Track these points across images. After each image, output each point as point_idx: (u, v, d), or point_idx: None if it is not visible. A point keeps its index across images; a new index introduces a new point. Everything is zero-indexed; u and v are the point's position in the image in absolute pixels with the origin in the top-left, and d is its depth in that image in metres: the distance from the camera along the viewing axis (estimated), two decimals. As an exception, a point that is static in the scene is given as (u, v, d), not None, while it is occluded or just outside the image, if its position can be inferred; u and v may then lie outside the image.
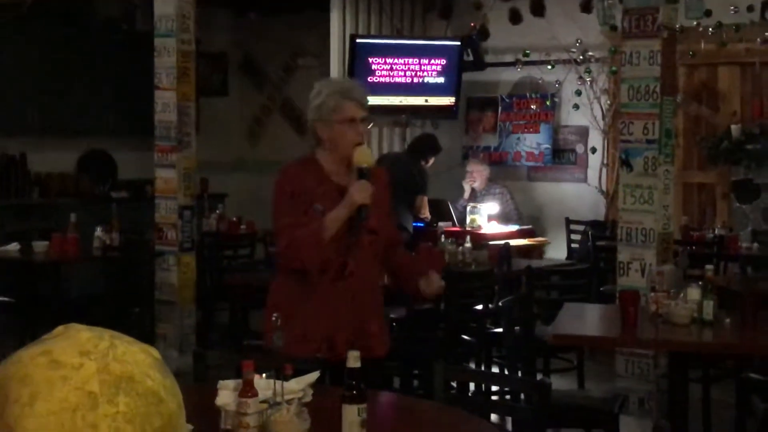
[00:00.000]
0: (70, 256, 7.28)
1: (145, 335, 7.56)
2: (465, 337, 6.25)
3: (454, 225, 9.00)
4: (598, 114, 9.98)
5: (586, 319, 5.04)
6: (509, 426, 4.51)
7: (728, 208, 9.38)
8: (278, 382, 2.73)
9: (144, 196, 9.55)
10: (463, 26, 10.43)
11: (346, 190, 3.56)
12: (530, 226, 9.63)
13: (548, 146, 10.39)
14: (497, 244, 7.61)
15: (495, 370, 6.21)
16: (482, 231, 8.79)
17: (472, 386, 5.88)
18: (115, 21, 10.62)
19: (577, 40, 9.74)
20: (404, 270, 3.82)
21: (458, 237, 7.60)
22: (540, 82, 10.33)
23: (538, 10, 8.69)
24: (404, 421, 2.99)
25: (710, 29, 8.91)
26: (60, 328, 1.28)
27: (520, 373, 4.93)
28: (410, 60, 9.91)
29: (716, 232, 8.38)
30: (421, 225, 8.63)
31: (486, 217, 9.03)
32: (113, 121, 10.39)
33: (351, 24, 10.09)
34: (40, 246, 7.21)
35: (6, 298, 7.36)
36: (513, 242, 8.29)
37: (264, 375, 2.82)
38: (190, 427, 2.65)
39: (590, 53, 9.82)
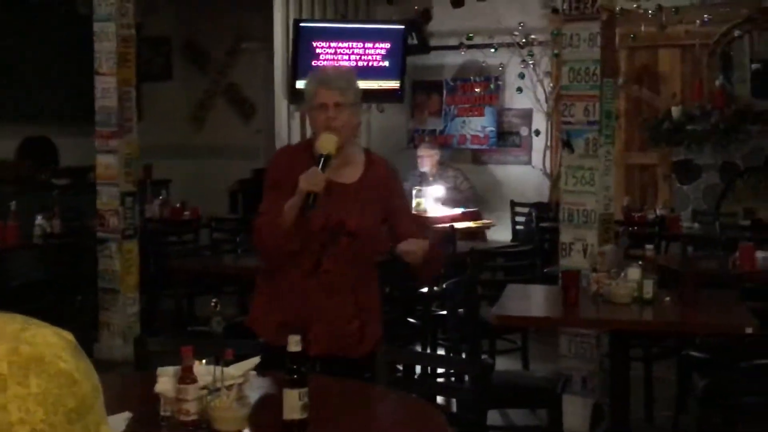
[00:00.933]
0: (10, 243, 7.17)
1: (88, 323, 7.49)
2: (411, 320, 6.27)
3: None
4: (542, 97, 10.05)
5: (529, 300, 5.08)
6: (455, 408, 4.55)
7: (670, 188, 9.51)
8: (218, 368, 2.72)
9: (86, 182, 9.43)
10: (407, 10, 10.43)
11: (333, 183, 3.45)
12: (476, 209, 9.67)
13: (493, 129, 10.45)
14: (443, 227, 7.63)
15: (441, 352, 6.23)
16: (428, 214, 8.80)
17: (419, 369, 5.90)
18: (55, 4, 10.47)
19: (520, 24, 9.79)
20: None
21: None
22: (484, 65, 10.37)
23: (480, -6, 8.73)
24: (346, 405, 2.99)
25: (650, 12, 9.01)
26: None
27: (464, 355, 4.96)
28: (355, 44, 9.89)
29: (658, 212, 8.49)
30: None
31: (432, 201, 9.04)
32: (54, 106, 10.26)
33: (295, 8, 10.03)
34: (-21, 234, 7.10)
35: (-55, 287, 7.25)
36: (458, 225, 8.33)
37: (204, 361, 2.80)
38: (129, 414, 2.64)
39: (533, 36, 9.89)
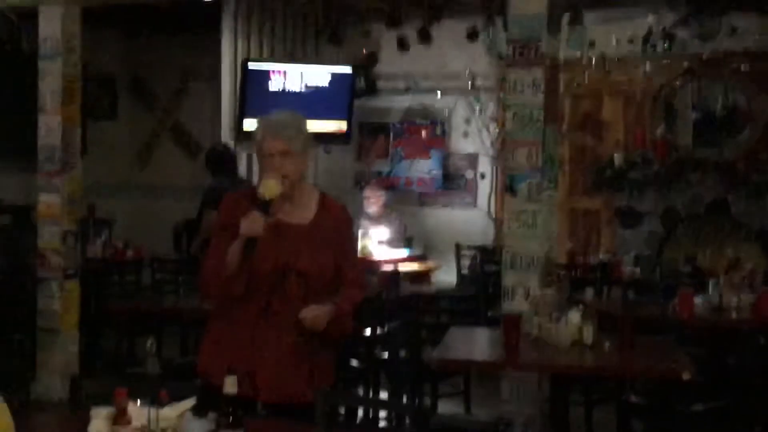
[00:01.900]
0: (-52, 281, 7.06)
1: (26, 363, 7.36)
2: (353, 363, 6.25)
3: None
4: (487, 141, 10.14)
5: (470, 344, 5.09)
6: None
7: (612, 234, 9.62)
8: (153, 410, 2.69)
9: (28, 221, 9.31)
10: (354, 52, 10.49)
11: (284, 224, 3.49)
12: (421, 252, 9.70)
13: (439, 172, 10.51)
14: (387, 270, 7.63)
15: (383, 395, 6.21)
16: (373, 257, 8.80)
17: (361, 412, 5.87)
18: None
19: (466, 69, 9.89)
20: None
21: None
22: (431, 109, 10.45)
23: (425, 38, 8.80)
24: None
25: (594, 61, 9.15)
26: None
27: (405, 399, 4.95)
28: (302, 85, 9.90)
29: (600, 257, 8.57)
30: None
31: (377, 243, 9.05)
32: (-4, 143, 10.12)
33: (243, 47, 10.04)
34: None
35: None
36: (404, 267, 8.33)
37: (139, 402, 2.77)
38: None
39: (479, 82, 9.98)
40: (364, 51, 10.13)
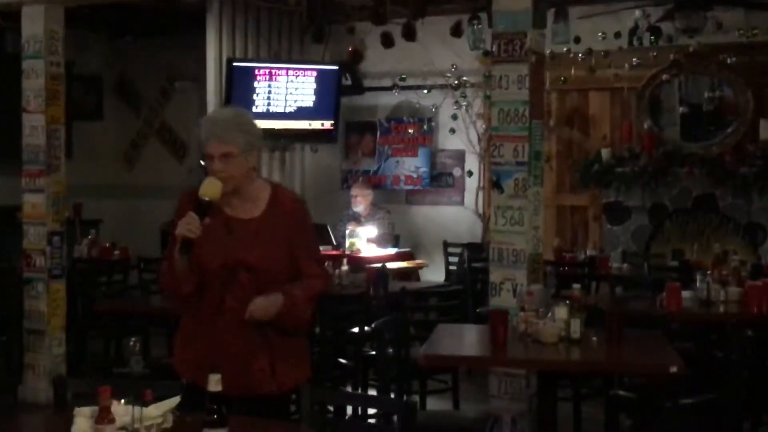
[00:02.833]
0: (-67, 284, 7.01)
1: (13, 365, 7.32)
2: (342, 360, 6.23)
3: (333, 249, 8.99)
4: (474, 138, 10.13)
5: (458, 340, 5.08)
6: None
7: (600, 229, 9.62)
8: (137, 408, 2.67)
9: (13, 222, 9.25)
10: (340, 51, 10.48)
11: (234, 220, 3.50)
12: (408, 249, 9.69)
13: (426, 170, 10.50)
14: (375, 267, 7.62)
15: (372, 392, 6.20)
16: (361, 254, 8.80)
17: (349, 410, 5.86)
18: (-17, 42, 10.33)
19: (452, 66, 9.88)
20: None
21: (335, 260, 7.59)
22: (417, 106, 10.44)
23: (409, 34, 8.77)
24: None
25: (580, 55, 9.15)
26: None
27: (393, 395, 4.93)
28: (288, 84, 9.88)
29: (588, 253, 8.58)
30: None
31: (365, 241, 9.04)
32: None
33: (228, 47, 10.01)
34: None
35: None
36: (391, 265, 8.33)
37: (123, 401, 2.75)
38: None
39: (465, 78, 9.98)
40: (349, 48, 10.10)
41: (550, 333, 4.45)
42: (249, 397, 3.39)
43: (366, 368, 6.35)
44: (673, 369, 4.07)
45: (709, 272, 6.30)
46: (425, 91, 10.20)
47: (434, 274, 9.69)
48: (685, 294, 5.97)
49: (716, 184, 9.04)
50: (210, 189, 3.36)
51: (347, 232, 9.04)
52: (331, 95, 10.08)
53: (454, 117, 10.07)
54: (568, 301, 4.67)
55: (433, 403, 6.45)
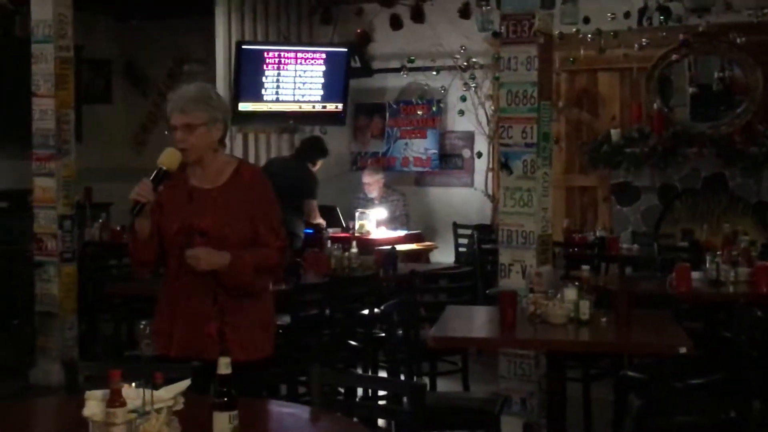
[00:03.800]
0: (-55, 268, 7.05)
1: (25, 348, 7.37)
2: (352, 342, 6.25)
3: (343, 231, 9.00)
4: (483, 119, 10.11)
5: (467, 322, 5.09)
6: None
7: (609, 210, 9.61)
8: (147, 391, 2.69)
9: (24, 205, 9.29)
10: (348, 33, 10.47)
11: (196, 189, 3.69)
12: (418, 231, 9.70)
13: (435, 151, 10.49)
14: (384, 249, 7.64)
15: (382, 374, 6.22)
16: (370, 236, 8.82)
17: (360, 391, 5.89)
18: (-8, 26, 10.34)
19: (461, 47, 9.85)
20: None
21: (345, 242, 7.61)
22: (426, 88, 10.42)
23: (417, 16, 8.76)
24: (278, 427, 2.97)
25: (589, 36, 9.11)
26: None
27: (403, 377, 4.95)
28: (297, 66, 9.88)
29: (597, 234, 8.57)
30: (311, 231, 8.59)
31: (375, 223, 9.06)
32: (-9, 129, 10.11)
33: (237, 30, 10.01)
34: None
35: None
36: (401, 247, 8.35)
37: (133, 384, 2.77)
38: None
39: (474, 60, 9.95)
40: (358, 30, 10.08)
41: (559, 314, 4.46)
42: (199, 361, 3.48)
43: (376, 350, 6.37)
44: (682, 350, 4.08)
45: (718, 252, 6.30)
46: (434, 73, 10.18)
47: (444, 255, 9.70)
48: (695, 274, 5.98)
49: (726, 164, 9.01)
50: (168, 158, 3.58)
51: (357, 214, 9.06)
52: (340, 77, 10.07)
53: (463, 98, 10.05)
54: (577, 283, 4.68)
55: (443, 385, 6.47)
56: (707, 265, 6.09)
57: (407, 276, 6.61)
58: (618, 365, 5.58)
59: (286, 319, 5.74)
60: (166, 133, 3.86)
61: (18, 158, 9.43)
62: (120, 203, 11.10)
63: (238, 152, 9.91)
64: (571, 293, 4.53)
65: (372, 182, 9.51)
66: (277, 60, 9.81)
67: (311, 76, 9.94)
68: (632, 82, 9.54)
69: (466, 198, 10.41)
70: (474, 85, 10.04)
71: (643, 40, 9.17)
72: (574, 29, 8.76)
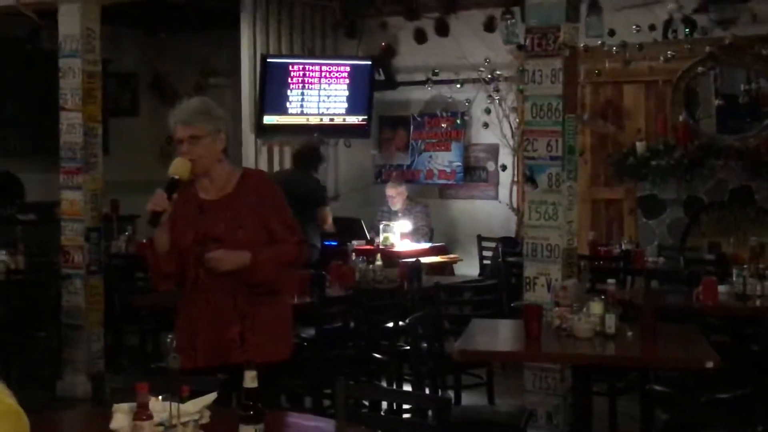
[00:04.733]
0: (-27, 280, 7.10)
1: (52, 359, 7.41)
2: (376, 354, 6.25)
3: (368, 243, 9.01)
4: (508, 132, 10.10)
5: (492, 335, 5.08)
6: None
7: (635, 223, 9.57)
8: (174, 404, 2.70)
9: (52, 218, 9.36)
10: (374, 46, 10.49)
11: (206, 201, 3.77)
12: (442, 244, 9.70)
13: (459, 164, 10.49)
14: (409, 261, 7.64)
15: (406, 387, 6.22)
16: (395, 249, 8.82)
17: (384, 405, 5.89)
18: (20, 40, 10.44)
19: (485, 59, 9.86)
20: None
21: (369, 255, 7.62)
22: (450, 100, 10.43)
23: (442, 29, 8.76)
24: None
25: (614, 48, 9.10)
26: None
27: (427, 390, 4.95)
28: (322, 79, 9.92)
29: (623, 246, 8.53)
30: (334, 243, 8.61)
31: (399, 235, 9.06)
32: (19, 142, 10.21)
33: (262, 43, 10.06)
34: (-59, 270, 7.03)
35: None
36: (425, 259, 8.34)
37: (160, 397, 2.79)
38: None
39: (498, 72, 9.96)
40: (383, 44, 10.11)
41: (584, 328, 4.45)
42: (221, 367, 3.60)
43: (400, 363, 6.37)
44: (709, 364, 4.05)
45: (745, 266, 6.25)
46: (458, 86, 10.19)
47: (468, 268, 9.69)
48: (721, 288, 5.93)
49: (753, 176, 8.95)
50: (179, 168, 3.66)
51: (381, 226, 9.07)
52: (364, 90, 10.11)
53: (488, 111, 10.04)
54: (602, 296, 4.67)
55: (468, 398, 6.46)
56: (734, 278, 6.05)
57: (432, 289, 6.61)
58: (644, 379, 5.54)
59: (310, 332, 5.75)
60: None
61: (46, 171, 9.52)
62: (146, 216, 11.21)
63: (263, 165, 9.95)
64: (596, 307, 4.52)
65: (395, 194, 9.52)
66: (301, 73, 9.86)
67: (336, 89, 9.98)
68: (657, 94, 9.51)
69: (490, 211, 10.40)
70: (498, 97, 10.05)
71: (669, 52, 9.15)
72: (599, 42, 8.75)
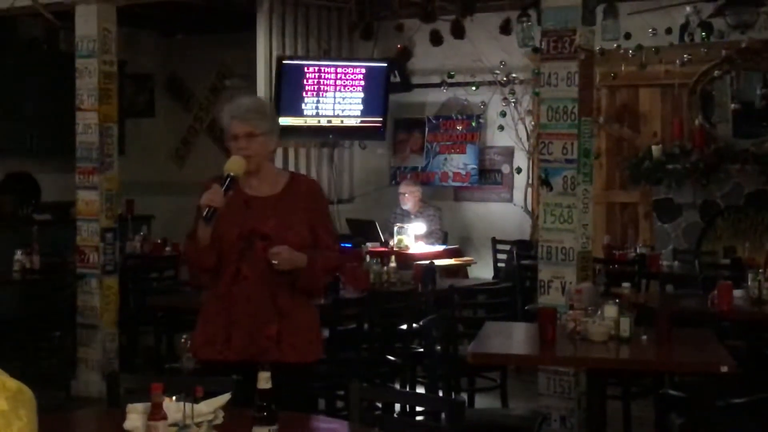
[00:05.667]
0: (-12, 279, 7.14)
1: (67, 359, 7.44)
2: (390, 357, 6.26)
3: (381, 245, 9.01)
4: (523, 135, 10.09)
5: (506, 338, 5.07)
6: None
7: (650, 227, 9.54)
8: (188, 405, 2.70)
9: (68, 218, 9.40)
10: (388, 48, 10.50)
11: (253, 198, 3.77)
12: (457, 246, 9.69)
13: (474, 166, 10.48)
14: (423, 263, 7.63)
15: (420, 390, 6.21)
16: (409, 251, 8.82)
17: (398, 407, 5.89)
18: (38, 41, 10.50)
19: (501, 62, 9.85)
20: None
21: (383, 257, 7.62)
22: (465, 103, 10.43)
23: (458, 32, 8.75)
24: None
25: (631, 51, 9.08)
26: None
27: (441, 393, 4.94)
28: (337, 81, 9.93)
29: (638, 250, 8.51)
30: (348, 245, 8.60)
31: (413, 237, 9.05)
32: (36, 142, 10.26)
33: (278, 45, 10.07)
34: (-43, 269, 7.08)
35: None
36: (439, 262, 8.32)
37: (174, 398, 2.79)
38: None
39: (514, 75, 9.95)
40: (398, 46, 10.11)
41: (599, 331, 4.43)
42: (251, 361, 3.49)
43: (414, 365, 6.37)
44: (724, 368, 4.04)
45: (761, 270, 6.23)
46: (474, 88, 10.18)
47: (483, 271, 9.68)
48: (737, 292, 5.91)
49: (769, 181, 8.92)
50: (234, 165, 3.65)
51: (395, 228, 9.07)
52: (380, 92, 10.11)
53: (503, 114, 10.03)
54: (617, 300, 4.65)
55: (482, 401, 6.45)
56: (749, 283, 6.03)
57: (446, 291, 6.60)
58: (659, 383, 5.53)
59: (324, 334, 5.75)
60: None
61: (62, 171, 9.56)
62: (161, 216, 11.27)
63: (278, 166, 9.97)
64: (611, 310, 4.51)
65: (407, 193, 9.50)
66: (317, 75, 9.87)
67: (351, 91, 9.99)
68: (674, 98, 9.48)
69: (505, 213, 10.38)
70: (513, 100, 10.03)
71: (685, 56, 9.12)
72: (615, 45, 8.72)
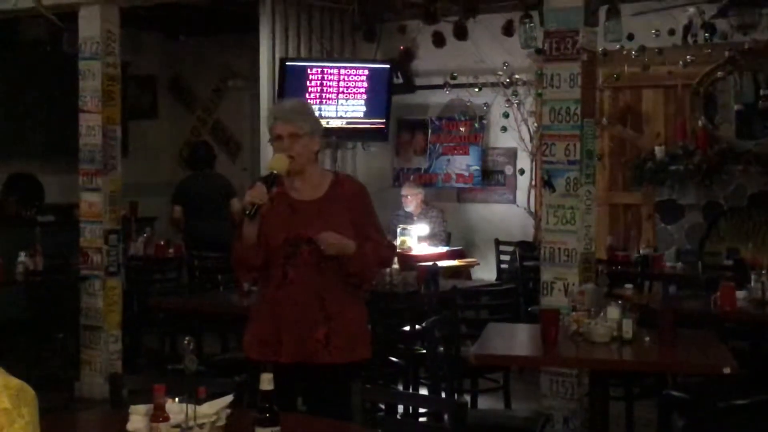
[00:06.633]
0: (-8, 280, 7.15)
1: (71, 360, 7.45)
2: (393, 358, 6.26)
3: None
4: (526, 136, 10.09)
5: (509, 339, 5.08)
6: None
7: (653, 228, 9.54)
8: (191, 406, 2.71)
9: (71, 219, 9.41)
10: (392, 49, 10.50)
11: (298, 202, 3.82)
12: (460, 247, 9.69)
13: (477, 168, 10.48)
14: (426, 265, 7.63)
15: (423, 391, 6.22)
16: (412, 252, 8.82)
17: (401, 408, 5.88)
18: (41, 43, 10.51)
19: (504, 63, 9.85)
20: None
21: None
22: (468, 104, 10.43)
23: (460, 33, 8.76)
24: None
25: (634, 52, 9.07)
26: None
27: (443, 394, 4.94)
28: (340, 83, 9.93)
29: (641, 251, 8.50)
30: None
31: (416, 239, 9.06)
32: (39, 143, 10.27)
33: (281, 46, 10.08)
34: (-39, 271, 7.08)
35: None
36: (442, 263, 8.33)
37: (177, 399, 2.80)
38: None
39: (517, 76, 9.95)
40: (401, 48, 10.11)
41: (602, 333, 4.44)
42: (305, 366, 3.70)
43: (417, 367, 6.37)
44: (727, 369, 4.04)
45: (764, 271, 6.22)
46: (476, 89, 10.18)
47: (485, 272, 9.68)
48: (740, 293, 5.91)
49: (772, 181, 8.92)
50: (278, 163, 3.71)
51: (398, 230, 9.07)
52: (383, 94, 10.11)
53: (506, 115, 10.03)
54: (620, 301, 4.65)
55: (484, 402, 6.45)
56: (752, 284, 6.03)
57: (449, 292, 6.60)
58: (661, 384, 5.53)
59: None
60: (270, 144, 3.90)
61: (65, 173, 9.58)
62: (165, 218, 11.27)
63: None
64: (614, 312, 4.51)
65: (410, 195, 9.51)
66: (320, 77, 9.87)
67: (354, 93, 9.99)
68: (677, 99, 9.48)
69: (508, 215, 10.38)
70: (516, 101, 10.03)
71: (688, 57, 9.11)
72: (618, 46, 8.72)
